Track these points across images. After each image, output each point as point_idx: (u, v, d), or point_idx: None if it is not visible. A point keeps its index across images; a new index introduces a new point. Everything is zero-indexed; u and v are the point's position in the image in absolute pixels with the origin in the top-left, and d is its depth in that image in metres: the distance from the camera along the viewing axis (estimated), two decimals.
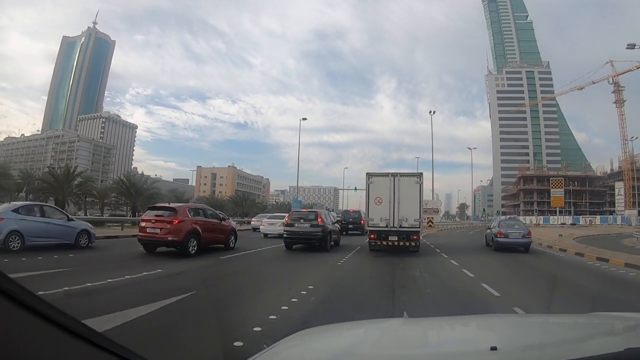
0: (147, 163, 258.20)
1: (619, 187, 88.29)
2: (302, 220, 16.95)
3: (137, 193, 49.78)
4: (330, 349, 1.91)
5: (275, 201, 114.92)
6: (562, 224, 73.98)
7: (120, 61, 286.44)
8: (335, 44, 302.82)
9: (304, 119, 49.13)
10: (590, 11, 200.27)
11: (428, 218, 35.62)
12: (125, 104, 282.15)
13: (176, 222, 13.53)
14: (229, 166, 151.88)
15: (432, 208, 39.72)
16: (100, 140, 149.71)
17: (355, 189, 67.77)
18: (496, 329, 2.31)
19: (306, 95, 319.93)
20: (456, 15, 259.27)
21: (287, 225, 17.16)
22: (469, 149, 73.29)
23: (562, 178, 60.92)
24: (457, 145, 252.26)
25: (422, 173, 17.01)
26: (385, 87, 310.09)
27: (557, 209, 59.24)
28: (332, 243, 18.18)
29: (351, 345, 1.93)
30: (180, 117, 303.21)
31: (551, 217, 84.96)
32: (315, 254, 15.53)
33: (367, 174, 16.75)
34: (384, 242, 15.96)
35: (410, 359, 1.82)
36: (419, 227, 16.20)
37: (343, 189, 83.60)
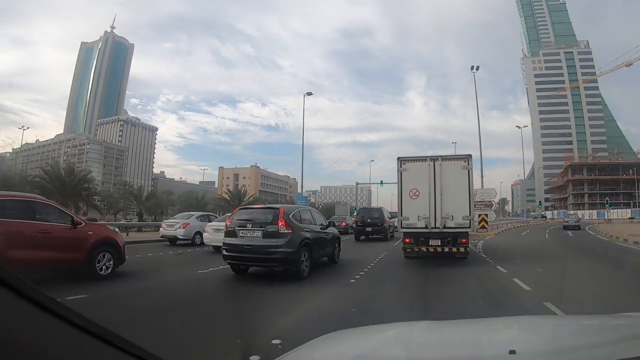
0: (180, 168, 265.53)
1: None
2: (249, 225, 9.77)
3: (64, 187, 37.04)
4: (351, 353, 1.92)
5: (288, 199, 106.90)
6: (630, 218, 64.96)
7: (150, 69, 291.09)
8: (363, 42, 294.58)
9: (309, 93, 41.13)
10: None
11: (480, 215, 25.65)
12: (157, 110, 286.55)
13: None
14: (251, 166, 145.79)
15: (484, 201, 28.49)
16: (119, 143, 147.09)
17: (381, 182, 59.24)
18: (517, 332, 2.31)
19: (337, 95, 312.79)
20: (483, 6, 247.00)
21: (227, 233, 10.09)
22: (518, 127, 64.34)
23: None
24: (490, 141, 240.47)
25: (470, 155, 12.96)
26: (416, 83, 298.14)
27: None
28: (325, 259, 11.95)
29: (372, 349, 1.94)
30: (211, 122, 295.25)
31: (606, 211, 76.31)
32: (278, 285, 8.85)
33: (398, 158, 13.11)
34: (424, 248, 12.63)
35: None
36: (469, 227, 12.59)
37: (370, 183, 73.73)
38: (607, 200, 62.32)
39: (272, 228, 9.46)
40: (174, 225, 19.08)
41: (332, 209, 75.22)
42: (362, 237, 23.59)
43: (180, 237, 18.54)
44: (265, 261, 9.59)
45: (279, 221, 9.52)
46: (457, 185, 12.40)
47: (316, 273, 10.25)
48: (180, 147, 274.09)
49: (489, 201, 29.51)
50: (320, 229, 11.57)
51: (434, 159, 12.71)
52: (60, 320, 0.91)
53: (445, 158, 12.84)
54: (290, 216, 9.97)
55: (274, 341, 3.97)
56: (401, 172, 12.83)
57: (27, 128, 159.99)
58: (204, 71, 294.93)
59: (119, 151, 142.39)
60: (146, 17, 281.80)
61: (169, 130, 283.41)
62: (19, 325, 0.86)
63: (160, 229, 20.53)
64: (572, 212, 63.67)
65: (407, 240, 12.91)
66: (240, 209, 11.38)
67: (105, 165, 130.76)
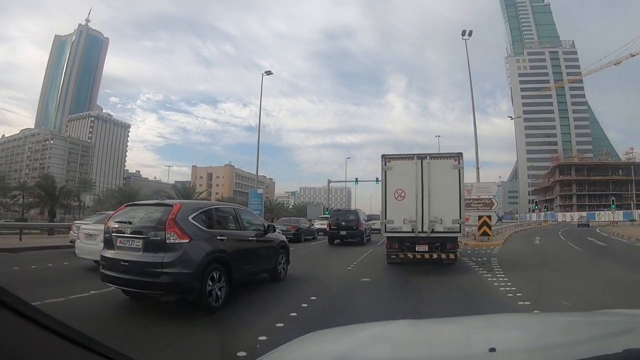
0: (160, 168, 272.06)
1: None
2: (128, 231, 6.41)
3: None
4: (332, 352, 1.92)
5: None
6: (631, 220, 63.17)
7: (130, 67, 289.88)
8: (345, 43, 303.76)
9: (269, 72, 34.72)
10: None
11: (481, 218, 20.34)
12: (137, 109, 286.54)
13: None
14: (225, 165, 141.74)
15: (482, 199, 21.71)
16: (89, 140, 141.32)
17: (356, 180, 54.62)
18: (497, 330, 2.32)
19: (317, 97, 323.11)
20: (465, 9, 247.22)
21: (105, 242, 6.72)
22: (510, 118, 61.27)
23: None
24: (470, 143, 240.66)
25: (461, 153, 11.83)
26: (396, 85, 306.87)
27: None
28: (269, 275, 9.12)
29: (352, 349, 1.94)
30: (192, 122, 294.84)
31: (597, 212, 74.40)
32: (158, 324, 5.74)
33: (382, 156, 12.19)
34: (409, 255, 11.70)
35: None
36: (459, 231, 11.68)
37: (345, 181, 67.84)
38: (613, 201, 59.02)
39: (156, 236, 6.18)
40: None
41: (304, 209, 70.98)
42: (337, 241, 22.41)
43: None
44: (146, 287, 6.08)
45: (168, 226, 6.15)
46: (446, 186, 11.65)
47: (243, 298, 7.26)
48: (161, 147, 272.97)
49: (489, 199, 24.10)
50: (255, 235, 8.46)
51: (421, 157, 11.94)
52: (33, 323, 0.91)
53: (434, 156, 12.08)
54: (191, 218, 6.60)
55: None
56: (385, 171, 12.09)
57: None
58: (184, 70, 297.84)
59: (84, 147, 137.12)
60: (127, 15, 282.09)
61: (149, 129, 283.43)
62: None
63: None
64: (584, 213, 74.22)
65: (392, 245, 12.15)
66: (127, 205, 7.67)
67: (69, 162, 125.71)
